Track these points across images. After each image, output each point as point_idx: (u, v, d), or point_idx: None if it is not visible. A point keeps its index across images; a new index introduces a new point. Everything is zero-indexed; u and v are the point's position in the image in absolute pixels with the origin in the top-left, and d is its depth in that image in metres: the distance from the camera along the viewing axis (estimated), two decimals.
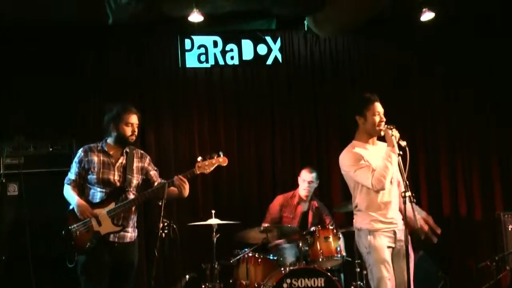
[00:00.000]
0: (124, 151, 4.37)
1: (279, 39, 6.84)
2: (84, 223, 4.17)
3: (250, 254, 5.36)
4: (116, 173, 4.30)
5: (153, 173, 4.47)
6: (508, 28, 6.74)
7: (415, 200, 3.80)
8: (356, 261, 5.36)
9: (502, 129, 6.83)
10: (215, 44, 6.76)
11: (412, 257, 3.95)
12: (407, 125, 6.40)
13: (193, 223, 5.43)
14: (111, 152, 4.35)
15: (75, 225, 4.19)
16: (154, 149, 6.37)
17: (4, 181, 5.05)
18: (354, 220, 4.11)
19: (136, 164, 4.39)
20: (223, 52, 6.76)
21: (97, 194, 4.26)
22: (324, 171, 6.54)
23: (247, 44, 6.80)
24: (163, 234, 4.11)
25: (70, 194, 4.28)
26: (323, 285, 5.03)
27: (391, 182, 3.96)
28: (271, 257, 5.43)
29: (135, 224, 4.40)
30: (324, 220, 5.87)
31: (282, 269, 5.18)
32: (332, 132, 6.71)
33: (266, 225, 5.62)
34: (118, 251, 4.23)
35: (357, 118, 4.08)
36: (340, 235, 5.40)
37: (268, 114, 6.76)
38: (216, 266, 5.29)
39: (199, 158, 4.29)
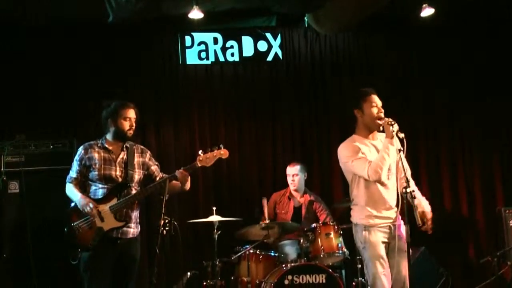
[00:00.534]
0: (124, 146, 4.38)
1: (279, 36, 6.83)
2: (86, 219, 4.17)
3: (251, 251, 5.36)
4: (117, 168, 4.30)
5: (154, 168, 4.47)
6: (508, 28, 6.75)
7: (416, 197, 3.81)
8: (357, 257, 5.35)
9: (502, 125, 6.83)
10: (216, 41, 6.75)
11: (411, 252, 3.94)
12: (407, 122, 6.38)
13: (194, 220, 5.45)
14: (111, 148, 4.35)
15: (77, 222, 4.19)
16: (155, 145, 6.37)
17: (5, 178, 5.08)
18: (351, 215, 4.12)
19: (137, 159, 4.39)
20: (224, 49, 6.75)
21: (99, 190, 4.27)
22: (325, 168, 6.56)
23: (247, 41, 6.79)
24: (164, 231, 4.11)
25: (73, 192, 4.28)
26: (324, 281, 5.02)
27: (388, 177, 3.96)
28: (272, 254, 5.42)
29: (138, 220, 4.40)
30: (319, 217, 5.84)
31: (284, 265, 5.18)
32: (333, 128, 6.71)
33: (267, 221, 5.61)
34: (121, 247, 4.23)
35: (356, 111, 4.09)
36: (340, 231, 5.39)
37: (268, 110, 6.76)
38: (217, 263, 5.28)
39: (200, 152, 4.31)
